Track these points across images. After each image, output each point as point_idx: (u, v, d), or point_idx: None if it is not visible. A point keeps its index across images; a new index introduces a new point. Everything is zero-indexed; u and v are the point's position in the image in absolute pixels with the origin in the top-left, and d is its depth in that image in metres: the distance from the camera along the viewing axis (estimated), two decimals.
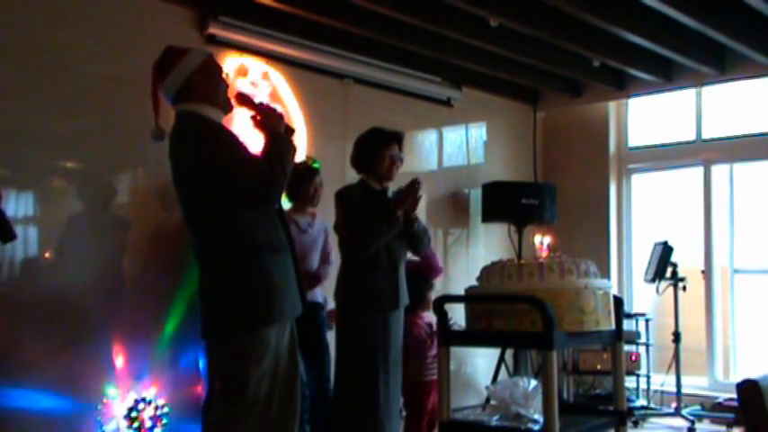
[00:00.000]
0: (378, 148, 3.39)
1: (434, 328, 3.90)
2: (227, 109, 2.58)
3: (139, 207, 4.00)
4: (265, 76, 4.58)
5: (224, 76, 2.61)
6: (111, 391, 3.69)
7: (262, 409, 2.46)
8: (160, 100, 2.54)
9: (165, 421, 3.77)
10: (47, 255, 3.72)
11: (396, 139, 3.43)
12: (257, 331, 2.43)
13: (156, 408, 3.75)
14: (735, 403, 4.60)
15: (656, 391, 5.64)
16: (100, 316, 3.71)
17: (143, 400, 3.73)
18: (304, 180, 3.99)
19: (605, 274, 5.69)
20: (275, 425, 2.50)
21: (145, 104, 3.88)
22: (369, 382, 3.24)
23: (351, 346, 3.31)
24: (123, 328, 3.78)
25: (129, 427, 3.66)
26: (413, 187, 3.34)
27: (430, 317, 4.06)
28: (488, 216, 5.77)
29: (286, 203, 4.24)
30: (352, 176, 3.67)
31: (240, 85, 4.42)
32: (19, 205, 3.63)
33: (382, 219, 3.27)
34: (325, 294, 4.04)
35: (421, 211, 4.55)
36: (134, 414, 3.68)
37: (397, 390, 3.42)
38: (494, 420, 2.52)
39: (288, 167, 2.46)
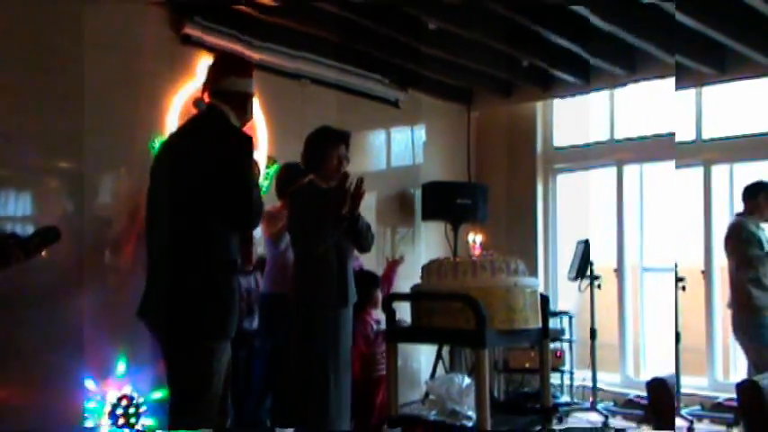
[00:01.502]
0: (325, 148, 3.42)
1: (381, 325, 3.95)
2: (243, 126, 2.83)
3: (137, 207, 3.91)
4: None
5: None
6: (96, 388, 3.69)
7: (218, 404, 2.60)
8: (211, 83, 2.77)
9: (147, 419, 3.77)
10: (44, 254, 3.59)
11: (343, 138, 3.46)
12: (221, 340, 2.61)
13: (139, 406, 3.76)
14: (735, 403, 4.36)
15: (578, 387, 5.81)
16: (95, 315, 3.69)
17: (127, 397, 3.72)
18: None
19: (533, 272, 5.86)
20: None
21: (135, 104, 3.96)
22: (318, 382, 3.25)
23: (301, 344, 3.31)
24: (117, 326, 3.74)
25: (114, 424, 3.66)
26: (357, 187, 3.34)
27: (379, 314, 4.10)
28: (427, 215, 5.89)
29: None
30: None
31: None
32: (18, 205, 3.62)
33: (329, 218, 3.29)
34: None
35: (370, 210, 4.61)
36: (118, 411, 3.69)
37: (347, 387, 3.40)
38: (431, 415, 2.59)
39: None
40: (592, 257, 5.55)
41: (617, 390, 5.77)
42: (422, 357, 5.87)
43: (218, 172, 2.54)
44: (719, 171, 5.86)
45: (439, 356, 5.49)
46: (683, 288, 5.33)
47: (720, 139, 5.83)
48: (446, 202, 5.76)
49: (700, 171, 5.88)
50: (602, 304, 5.70)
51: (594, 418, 5.39)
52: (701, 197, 5.87)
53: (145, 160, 3.93)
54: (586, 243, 5.56)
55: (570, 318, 5.92)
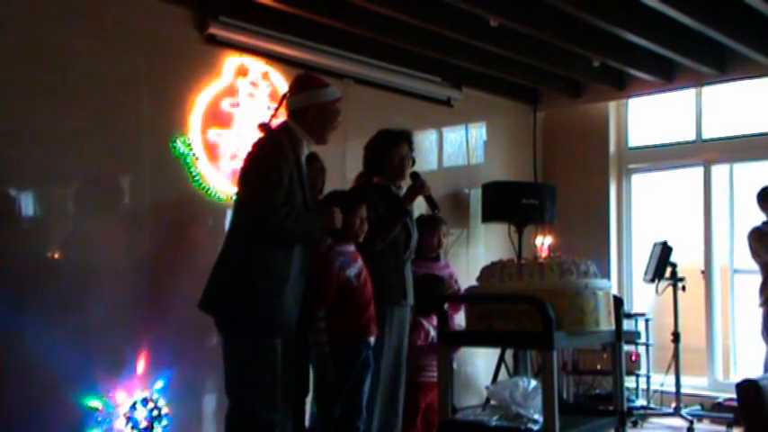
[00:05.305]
0: (387, 149, 3.48)
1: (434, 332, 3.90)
2: (320, 143, 3.04)
3: (139, 207, 4.00)
4: (265, 76, 4.56)
5: (336, 121, 3.03)
6: (112, 391, 3.70)
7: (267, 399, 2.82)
8: (282, 106, 3.05)
9: (164, 422, 3.78)
10: (47, 255, 3.72)
11: (404, 137, 3.52)
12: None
13: (156, 409, 3.76)
14: (735, 403, 4.60)
15: (655, 391, 5.64)
16: (99, 317, 3.70)
17: (143, 400, 3.73)
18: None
19: (605, 274, 5.69)
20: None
21: (145, 103, 3.95)
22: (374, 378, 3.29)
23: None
24: (123, 329, 3.78)
25: (130, 426, 3.67)
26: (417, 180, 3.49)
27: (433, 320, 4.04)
28: (488, 216, 5.76)
29: None
30: (353, 177, 3.68)
31: (240, 85, 4.43)
32: (19, 205, 3.62)
33: (388, 216, 3.36)
34: None
35: (420, 211, 4.55)
36: (134, 414, 3.69)
37: (402, 386, 3.43)
38: (493, 420, 2.52)
39: (297, 238, 2.88)
40: (674, 259, 5.36)
41: (703, 393, 5.61)
42: (477, 361, 5.77)
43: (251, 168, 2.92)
44: (719, 171, 5.91)
45: (501, 360, 5.37)
46: (683, 288, 5.41)
47: (720, 139, 5.86)
48: (510, 203, 5.59)
49: (700, 171, 5.92)
50: (683, 306, 5.48)
51: (676, 423, 5.24)
52: (700, 197, 5.92)
53: (160, 161, 4.03)
54: (664, 244, 5.35)
55: (647, 320, 5.72)
